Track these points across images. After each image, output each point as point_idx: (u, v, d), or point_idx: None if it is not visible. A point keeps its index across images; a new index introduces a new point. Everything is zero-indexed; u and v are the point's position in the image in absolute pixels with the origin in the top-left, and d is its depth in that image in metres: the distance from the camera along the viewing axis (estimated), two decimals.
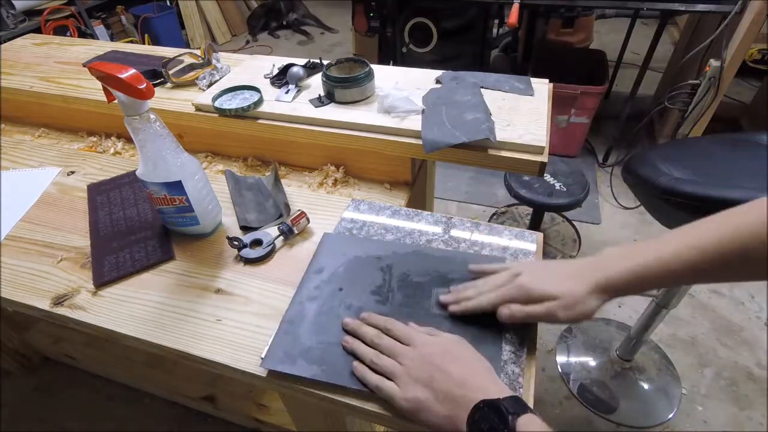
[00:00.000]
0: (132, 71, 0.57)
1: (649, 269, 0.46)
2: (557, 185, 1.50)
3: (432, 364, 0.47)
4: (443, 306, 0.57)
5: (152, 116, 0.60)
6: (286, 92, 0.87)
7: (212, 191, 0.71)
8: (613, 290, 0.47)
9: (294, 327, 0.57)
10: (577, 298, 0.47)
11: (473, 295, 0.55)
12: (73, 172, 0.90)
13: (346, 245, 0.68)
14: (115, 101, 0.58)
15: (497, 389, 0.44)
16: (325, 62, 0.91)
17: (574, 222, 1.84)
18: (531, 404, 0.51)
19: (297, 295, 0.61)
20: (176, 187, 0.64)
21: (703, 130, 1.78)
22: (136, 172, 0.64)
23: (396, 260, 0.64)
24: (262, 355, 0.54)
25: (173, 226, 0.72)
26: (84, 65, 0.54)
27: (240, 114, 0.83)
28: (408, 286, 0.61)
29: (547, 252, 1.72)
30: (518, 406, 0.41)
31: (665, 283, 0.48)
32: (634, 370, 1.34)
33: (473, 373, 0.46)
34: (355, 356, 0.52)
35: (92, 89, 0.97)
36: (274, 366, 0.53)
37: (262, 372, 0.54)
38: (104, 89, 0.61)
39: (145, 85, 0.57)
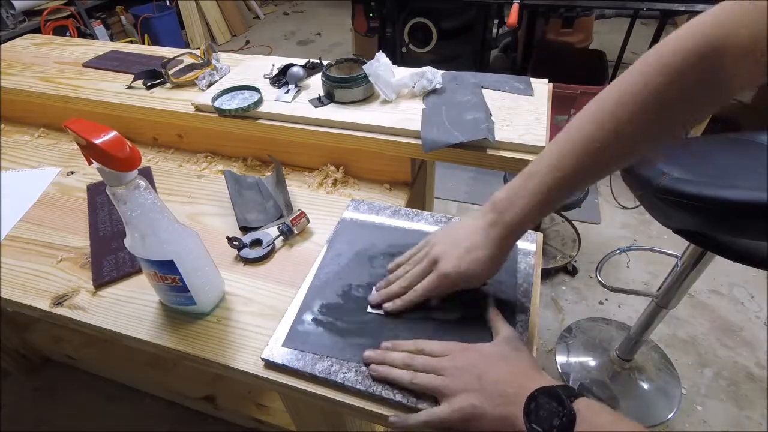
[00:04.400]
0: (111, 134, 0.45)
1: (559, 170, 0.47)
2: None
3: (477, 368, 0.46)
4: (375, 306, 0.57)
5: (141, 182, 0.49)
6: (286, 92, 0.87)
7: (212, 264, 0.61)
8: (522, 226, 0.49)
9: (314, 303, 0.59)
10: (493, 259, 0.51)
11: (400, 291, 0.56)
12: (72, 172, 0.90)
13: (363, 232, 0.70)
14: (95, 165, 0.48)
15: (547, 381, 0.43)
16: (324, 62, 0.91)
17: (573, 222, 1.83)
18: None
19: (319, 272, 0.64)
20: (168, 266, 0.54)
21: (702, 130, 1.78)
22: (125, 243, 0.54)
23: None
24: (263, 355, 0.54)
25: (167, 303, 0.62)
26: (65, 126, 0.48)
27: (240, 114, 0.83)
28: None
29: (547, 252, 1.72)
30: (572, 390, 0.40)
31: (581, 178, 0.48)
32: (633, 370, 1.34)
33: (520, 369, 0.45)
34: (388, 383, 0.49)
35: (92, 89, 0.97)
36: (295, 346, 0.54)
37: (262, 372, 0.54)
38: (82, 149, 0.49)
39: (128, 150, 0.45)
